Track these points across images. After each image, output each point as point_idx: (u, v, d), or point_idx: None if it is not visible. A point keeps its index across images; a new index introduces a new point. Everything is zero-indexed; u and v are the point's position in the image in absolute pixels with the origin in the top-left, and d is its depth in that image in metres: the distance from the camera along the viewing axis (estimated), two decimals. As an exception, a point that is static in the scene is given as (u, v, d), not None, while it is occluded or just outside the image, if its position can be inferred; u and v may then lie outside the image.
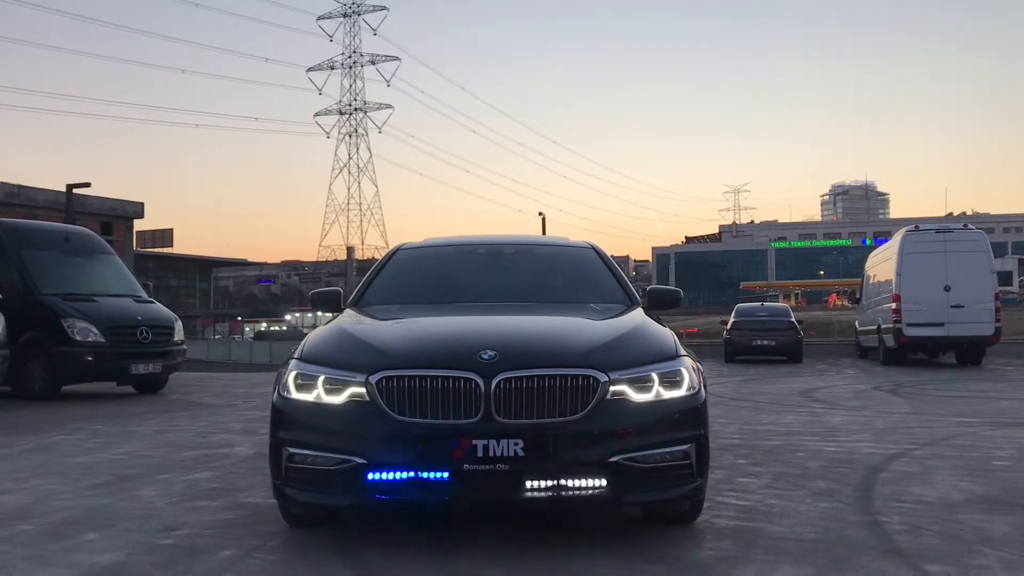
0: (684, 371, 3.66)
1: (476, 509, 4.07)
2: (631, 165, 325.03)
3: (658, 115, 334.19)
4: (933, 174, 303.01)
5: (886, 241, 20.76)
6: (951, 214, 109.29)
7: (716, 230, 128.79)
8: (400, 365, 3.47)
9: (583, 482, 3.37)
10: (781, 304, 27.46)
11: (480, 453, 3.29)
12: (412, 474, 3.34)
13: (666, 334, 3.98)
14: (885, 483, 4.96)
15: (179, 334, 11.81)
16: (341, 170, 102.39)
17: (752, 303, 23.33)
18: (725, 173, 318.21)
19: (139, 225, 37.48)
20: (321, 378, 3.56)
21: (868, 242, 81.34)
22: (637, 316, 4.28)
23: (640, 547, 3.59)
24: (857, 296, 21.58)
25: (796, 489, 4.79)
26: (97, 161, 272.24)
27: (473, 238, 5.77)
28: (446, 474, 3.33)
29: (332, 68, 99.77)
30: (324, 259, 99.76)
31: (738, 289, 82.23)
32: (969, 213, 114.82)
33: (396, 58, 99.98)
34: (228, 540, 3.77)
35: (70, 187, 26.71)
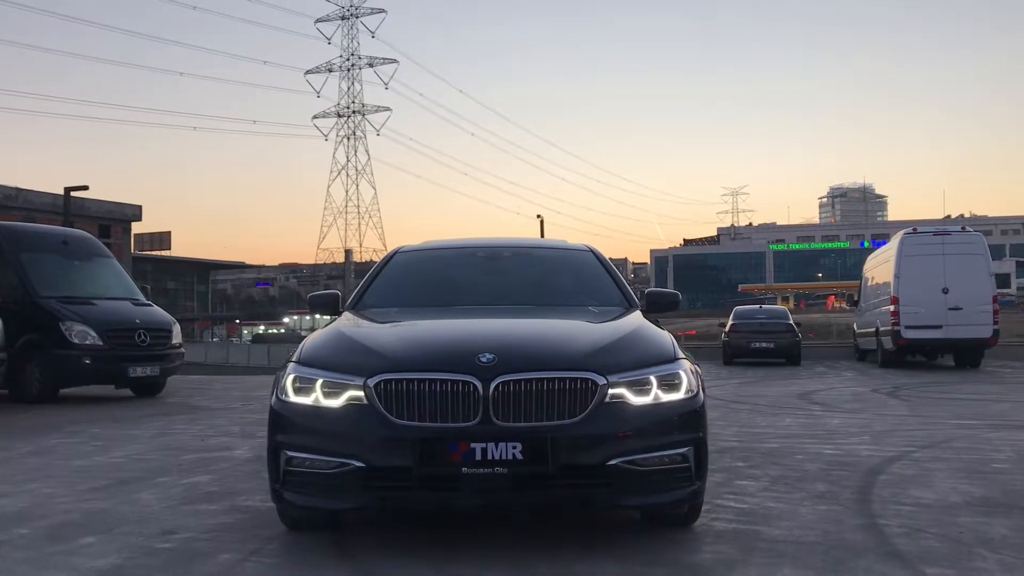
0: (682, 374, 3.66)
1: (475, 512, 4.06)
2: (629, 167, 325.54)
3: (656, 118, 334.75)
4: (931, 176, 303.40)
5: (884, 244, 20.79)
6: (949, 216, 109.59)
7: (714, 232, 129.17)
8: (398, 368, 3.46)
9: (582, 485, 3.37)
10: (779, 307, 27.50)
11: (479, 456, 3.28)
12: (410, 477, 3.33)
13: (664, 337, 3.98)
14: (884, 486, 4.95)
15: (177, 337, 11.82)
16: (339, 173, 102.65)
17: (750, 305, 23.35)
18: (723, 175, 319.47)
19: (137, 228, 37.64)
20: (319, 381, 3.56)
21: (866, 244, 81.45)
22: (635, 319, 4.27)
23: (638, 550, 3.59)
24: (855, 299, 21.60)
25: (795, 492, 4.79)
26: (95, 164, 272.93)
27: (471, 241, 5.76)
28: (445, 477, 3.32)
29: (330, 71, 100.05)
30: (322, 262, 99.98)
31: (736, 291, 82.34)
32: (967, 215, 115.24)
33: (394, 61, 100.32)
34: (227, 544, 3.76)
35: (68, 190, 26.74)
